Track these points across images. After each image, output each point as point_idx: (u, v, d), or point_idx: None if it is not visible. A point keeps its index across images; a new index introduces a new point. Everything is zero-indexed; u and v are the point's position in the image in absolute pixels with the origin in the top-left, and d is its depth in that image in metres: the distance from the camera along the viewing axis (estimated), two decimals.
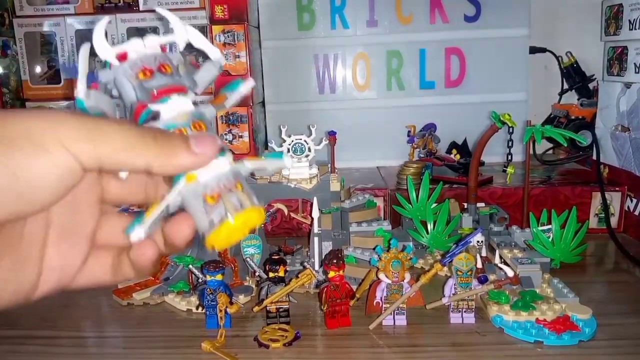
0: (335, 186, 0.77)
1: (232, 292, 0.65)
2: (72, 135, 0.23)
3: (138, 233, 0.27)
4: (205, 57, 0.33)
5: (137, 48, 0.30)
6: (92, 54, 0.31)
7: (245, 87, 0.33)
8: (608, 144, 1.00)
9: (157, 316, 0.70)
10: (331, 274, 0.64)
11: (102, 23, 0.30)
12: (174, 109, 0.29)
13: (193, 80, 0.31)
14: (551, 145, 1.25)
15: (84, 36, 1.23)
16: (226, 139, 1.05)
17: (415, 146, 1.13)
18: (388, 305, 0.64)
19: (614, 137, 0.98)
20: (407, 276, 0.64)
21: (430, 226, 0.83)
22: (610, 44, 0.99)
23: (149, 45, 0.31)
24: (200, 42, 0.32)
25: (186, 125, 0.28)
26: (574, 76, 1.23)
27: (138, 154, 0.25)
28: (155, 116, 0.29)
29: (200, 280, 0.68)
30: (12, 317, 0.69)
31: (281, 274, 0.65)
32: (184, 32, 0.32)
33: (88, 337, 0.67)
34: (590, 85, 1.21)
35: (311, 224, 0.77)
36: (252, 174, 0.78)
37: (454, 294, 0.64)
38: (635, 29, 0.90)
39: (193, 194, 0.28)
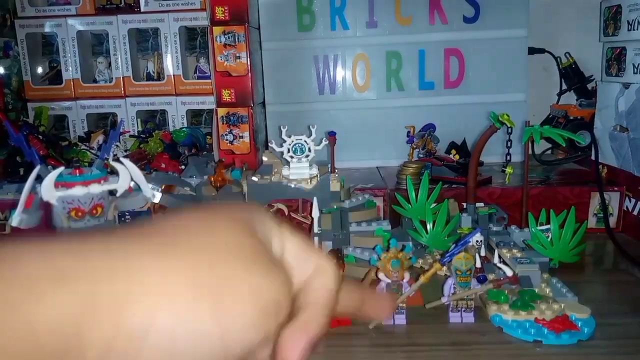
0: (335, 186, 0.77)
1: None
2: None
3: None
4: None
5: (80, 194, 0.37)
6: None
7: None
8: (607, 144, 1.00)
9: None
10: None
11: (55, 173, 0.38)
12: None
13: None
14: (550, 145, 1.25)
15: (85, 37, 1.23)
16: (226, 140, 1.06)
17: (415, 146, 1.14)
18: None
19: (613, 137, 0.98)
20: (407, 276, 0.64)
21: (429, 226, 0.83)
22: (608, 45, 1.00)
23: (93, 192, 0.38)
24: (140, 181, 0.41)
25: None
26: (573, 77, 1.23)
27: None
28: None
29: None
30: None
31: None
32: (128, 180, 0.40)
33: None
34: (589, 86, 1.22)
35: (311, 224, 0.77)
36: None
37: (453, 294, 0.65)
38: (633, 29, 0.91)
39: None
